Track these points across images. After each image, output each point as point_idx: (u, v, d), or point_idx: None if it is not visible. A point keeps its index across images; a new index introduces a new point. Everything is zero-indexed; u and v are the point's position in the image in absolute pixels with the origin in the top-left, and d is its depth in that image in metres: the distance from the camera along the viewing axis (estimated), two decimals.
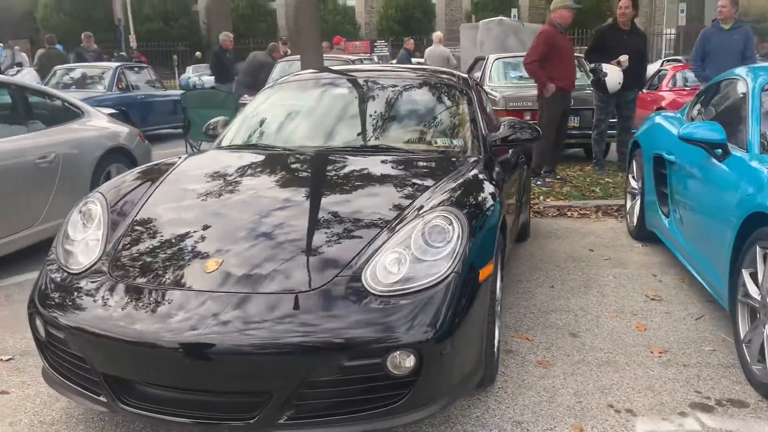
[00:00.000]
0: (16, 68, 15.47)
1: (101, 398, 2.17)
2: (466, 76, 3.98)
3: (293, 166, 3.09)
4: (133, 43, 28.46)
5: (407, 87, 3.64)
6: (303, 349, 1.97)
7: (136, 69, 10.66)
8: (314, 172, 2.96)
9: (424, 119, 3.46)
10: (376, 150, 3.17)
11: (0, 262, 4.07)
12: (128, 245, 2.41)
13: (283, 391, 1.99)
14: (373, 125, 3.41)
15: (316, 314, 2.03)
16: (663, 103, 8.75)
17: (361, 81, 3.79)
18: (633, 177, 5.01)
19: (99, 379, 2.14)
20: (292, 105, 3.67)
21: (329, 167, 3.00)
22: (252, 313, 2.04)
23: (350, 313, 2.04)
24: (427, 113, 3.50)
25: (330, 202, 2.60)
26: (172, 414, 2.08)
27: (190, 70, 21.42)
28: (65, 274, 2.37)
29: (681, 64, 10.81)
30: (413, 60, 12.82)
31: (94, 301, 2.20)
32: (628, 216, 5.07)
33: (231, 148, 3.39)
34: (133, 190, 2.79)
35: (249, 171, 3.02)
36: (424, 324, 2.04)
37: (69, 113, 4.93)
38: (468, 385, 2.29)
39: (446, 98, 3.57)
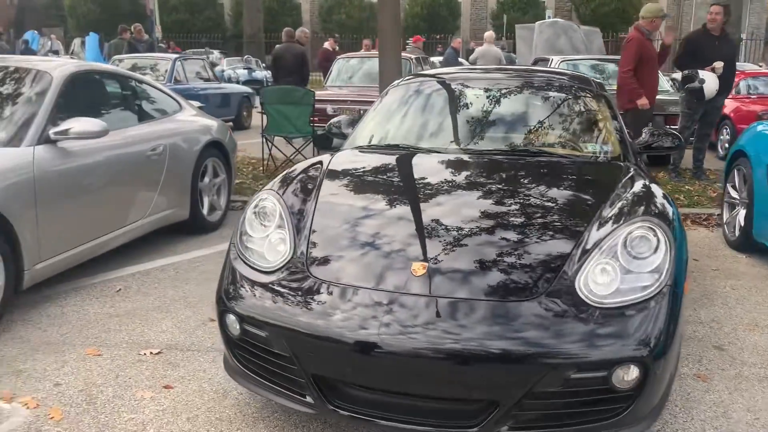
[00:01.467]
0: (52, 56, 15.52)
1: (307, 399, 2.15)
2: (599, 80, 3.94)
3: (456, 168, 3.05)
4: (159, 34, 28.56)
5: (545, 90, 3.61)
6: (531, 360, 1.95)
7: (189, 60, 10.64)
8: (484, 176, 2.93)
9: (569, 123, 3.43)
10: (529, 154, 3.14)
11: (109, 253, 4.06)
12: (319, 244, 2.38)
13: (508, 401, 1.96)
14: (518, 128, 3.38)
15: (538, 324, 2.00)
16: (726, 111, 8.66)
17: (496, 82, 3.76)
18: (733, 187, 4.95)
19: (307, 379, 2.12)
20: (428, 105, 3.64)
21: (496, 171, 2.97)
22: (471, 320, 2.02)
23: (573, 324, 2.01)
24: (570, 117, 3.47)
25: (515, 206, 2.57)
26: (385, 418, 2.06)
27: (224, 62, 21.43)
28: (256, 272, 2.35)
29: (752, 71, 10.50)
30: (460, 60, 12.77)
31: (297, 300, 2.18)
32: (726, 226, 5.02)
33: (374, 148, 3.36)
34: (299, 188, 2.77)
35: (414, 173, 2.99)
36: (649, 337, 2.01)
37: (171, 106, 4.92)
38: (665, 400, 2.26)
39: (587, 102, 3.53)
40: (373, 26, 35.77)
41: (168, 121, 4.72)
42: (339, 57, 9.80)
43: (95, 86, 4.27)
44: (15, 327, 3.23)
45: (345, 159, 3.18)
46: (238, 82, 17.95)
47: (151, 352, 2.98)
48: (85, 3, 35.70)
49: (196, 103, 5.63)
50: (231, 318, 2.31)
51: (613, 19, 32.04)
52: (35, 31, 20.63)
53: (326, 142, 7.25)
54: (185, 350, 3.03)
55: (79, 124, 3.55)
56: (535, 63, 9.67)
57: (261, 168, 7.15)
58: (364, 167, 3.09)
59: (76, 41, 21.27)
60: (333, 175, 2.93)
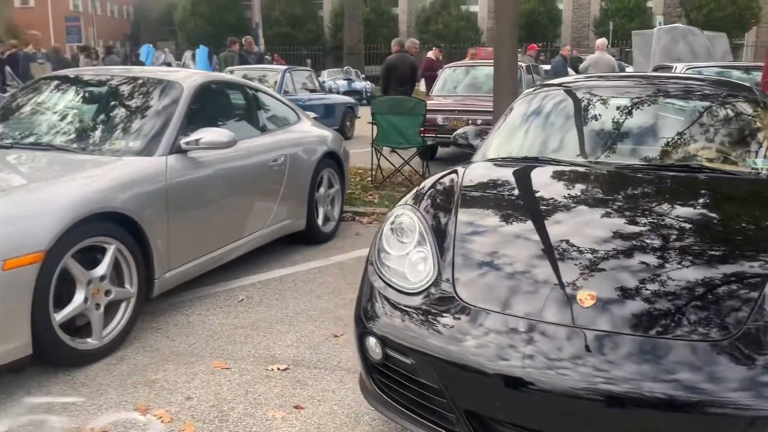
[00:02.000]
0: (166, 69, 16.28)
1: None
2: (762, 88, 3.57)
3: (609, 185, 2.80)
4: (262, 46, 29.60)
5: (694, 97, 3.29)
6: (745, 409, 1.68)
7: (297, 71, 10.83)
8: (642, 193, 2.66)
9: (729, 135, 3.09)
10: (690, 169, 2.83)
11: (229, 261, 4.06)
12: (465, 265, 2.21)
13: None
14: (671, 140, 3.08)
15: (746, 367, 1.73)
16: None
17: (635, 90, 3.47)
18: None
19: (458, 415, 1.95)
20: (564, 115, 3.40)
21: (656, 188, 2.69)
22: (661, 361, 1.77)
23: None
24: (731, 128, 3.12)
25: (688, 230, 2.30)
26: None
27: (325, 74, 21.84)
28: (398, 293, 2.21)
29: None
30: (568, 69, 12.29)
31: (449, 327, 2.01)
32: None
33: (509, 161, 3.15)
34: (436, 204, 2.61)
35: (561, 190, 2.76)
36: None
37: (290, 116, 4.93)
38: None
39: (751, 112, 3.17)
40: (469, 36, 35.49)
41: (288, 132, 4.71)
42: (446, 66, 9.65)
43: (221, 96, 4.33)
44: (145, 335, 3.26)
45: (480, 173, 3.00)
46: (338, 93, 18.20)
47: (278, 368, 2.91)
48: (193, 18, 37.60)
49: (312, 114, 5.63)
50: (372, 341, 2.17)
51: (729, 24, 30.10)
52: (150, 45, 21.89)
53: (430, 154, 7.15)
54: (312, 367, 2.94)
55: (208, 134, 3.57)
56: (655, 71, 9.12)
57: (369, 178, 7.09)
58: (502, 182, 2.89)
59: (187, 54, 22.35)
60: (470, 190, 2.75)
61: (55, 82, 4.06)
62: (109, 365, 2.93)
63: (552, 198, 2.65)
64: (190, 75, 4.02)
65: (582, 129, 3.30)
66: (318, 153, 4.86)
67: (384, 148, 6.88)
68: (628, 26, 32.64)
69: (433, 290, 2.15)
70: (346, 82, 21.35)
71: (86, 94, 3.88)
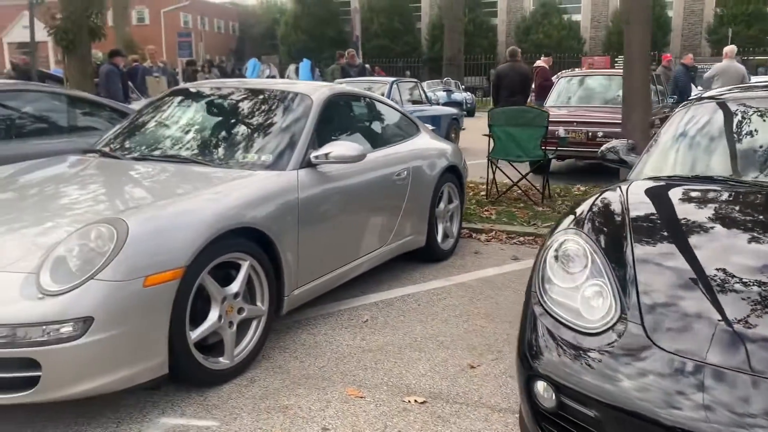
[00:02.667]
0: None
1: None
2: None
3: None
4: (361, 59, 29.99)
5: None
6: None
7: (404, 83, 10.72)
8: None
9: None
10: None
11: (350, 280, 3.91)
12: (655, 302, 1.91)
13: None
14: None
15: None
16: None
17: None
18: None
19: None
20: (734, 129, 3.01)
21: None
22: None
23: None
24: None
25: None
26: None
27: (425, 85, 21.74)
28: (573, 332, 1.94)
29: None
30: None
31: (646, 377, 1.72)
32: None
33: (677, 180, 2.81)
34: (603, 229, 2.32)
35: (748, 213, 2.40)
36: None
37: (411, 129, 4.76)
38: None
39: None
40: (571, 45, 34.37)
41: (409, 145, 4.54)
42: (561, 75, 9.22)
43: (346, 109, 4.21)
44: (273, 354, 3.15)
45: (647, 193, 2.67)
46: (437, 104, 18.02)
47: (415, 401, 2.70)
48: (295, 32, 38.71)
49: (429, 126, 5.44)
50: (541, 385, 1.92)
51: None
52: (256, 59, 22.62)
53: (545, 168, 6.80)
54: (452, 402, 2.70)
55: (338, 147, 3.44)
56: None
57: (483, 193, 6.81)
58: (677, 203, 2.56)
59: (291, 67, 22.84)
60: (641, 213, 2.43)
61: (185, 95, 4.08)
62: (240, 386, 2.82)
63: (737, 224, 2.30)
64: (318, 87, 3.92)
65: (757, 145, 2.90)
66: (439, 167, 4.66)
67: (499, 161, 6.60)
68: (746, 33, 30.58)
69: (617, 331, 1.87)
70: (445, 93, 21.13)
71: (215, 107, 3.87)
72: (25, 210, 2.86)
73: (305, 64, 21.43)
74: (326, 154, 3.42)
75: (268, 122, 3.65)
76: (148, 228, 2.53)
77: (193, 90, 4.09)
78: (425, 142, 4.78)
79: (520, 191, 6.72)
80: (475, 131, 9.67)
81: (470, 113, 20.45)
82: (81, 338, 2.28)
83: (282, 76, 24.53)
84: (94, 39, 8.15)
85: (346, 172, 3.66)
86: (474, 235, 5.50)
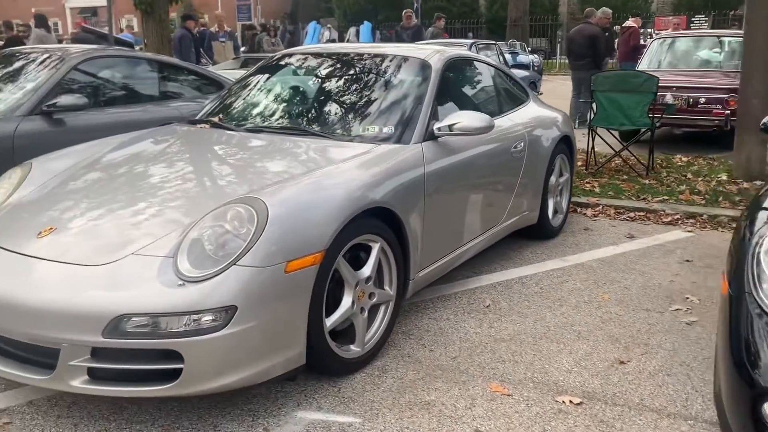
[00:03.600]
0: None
1: None
2: None
3: None
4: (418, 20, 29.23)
5: None
6: None
7: (481, 45, 10.27)
8: None
9: None
10: None
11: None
12: None
13: None
14: None
15: None
16: None
17: None
18: None
19: None
20: None
21: None
22: None
23: None
24: None
25: None
26: None
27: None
28: None
29: None
30: None
31: None
32: None
33: None
34: None
35: None
36: None
37: (522, 95, 4.42)
38: None
39: None
40: (637, 5, 32.60)
41: (522, 113, 4.20)
42: (655, 37, 8.61)
43: (462, 74, 3.91)
44: (398, 341, 2.94)
45: None
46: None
47: (570, 401, 2.45)
48: None
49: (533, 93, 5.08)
50: None
51: None
52: (316, 22, 22.26)
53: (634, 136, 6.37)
54: (610, 403, 2.45)
55: (464, 118, 3.14)
56: None
57: (581, 164, 6.42)
58: None
59: (352, 30, 22.45)
60: None
61: (292, 60, 3.84)
62: (372, 377, 2.63)
63: None
64: (434, 51, 3.62)
65: None
66: (553, 137, 4.32)
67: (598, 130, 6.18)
68: None
69: None
70: (511, 56, 20.36)
71: (327, 74, 3.61)
72: (146, 187, 2.70)
73: (366, 27, 21.01)
74: (450, 126, 3.14)
75: (386, 90, 3.38)
76: (287, 208, 2.33)
77: (300, 55, 3.84)
78: (536, 110, 4.44)
79: (623, 162, 6.28)
80: (547, 95, 9.16)
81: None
82: (224, 329, 2.10)
83: (341, 39, 24.11)
84: (171, 2, 7.99)
85: (465, 144, 3.37)
86: (579, 209, 5.16)
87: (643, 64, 8.16)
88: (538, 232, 4.37)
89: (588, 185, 5.70)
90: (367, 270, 2.64)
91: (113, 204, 2.54)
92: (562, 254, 4.18)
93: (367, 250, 2.68)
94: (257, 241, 2.19)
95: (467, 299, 3.43)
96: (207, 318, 2.09)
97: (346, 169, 2.69)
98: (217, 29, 13.30)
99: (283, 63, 3.83)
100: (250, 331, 2.16)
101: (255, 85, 3.70)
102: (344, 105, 3.36)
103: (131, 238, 2.29)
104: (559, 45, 27.75)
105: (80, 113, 4.43)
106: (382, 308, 2.81)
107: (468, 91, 3.92)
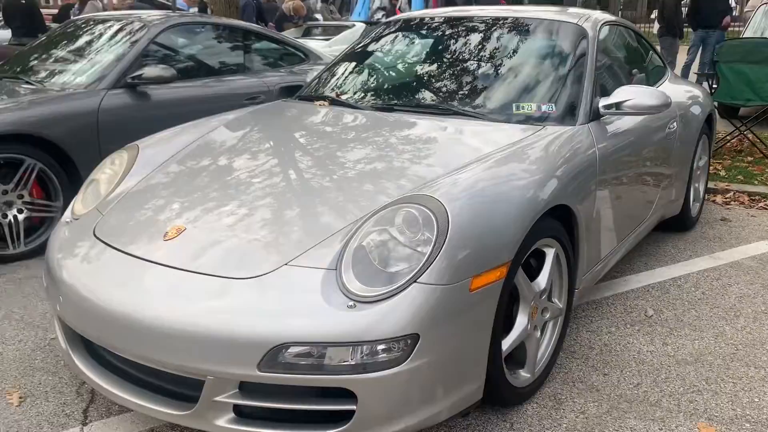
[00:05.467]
0: (381, 13, 15.71)
1: None
2: None
3: None
4: None
5: None
6: None
7: None
8: None
9: None
10: None
11: None
12: None
13: None
14: None
15: None
16: None
17: None
18: None
19: None
20: None
21: None
22: None
23: None
24: None
25: None
26: None
27: None
28: None
29: None
30: None
31: None
32: None
33: None
34: None
35: None
36: None
37: (663, 67, 3.86)
38: None
39: None
40: None
41: (668, 88, 3.64)
42: (761, 3, 7.80)
43: (615, 42, 3.35)
44: (563, 363, 2.48)
45: None
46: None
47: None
48: None
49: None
50: None
51: None
52: None
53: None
54: None
55: (635, 95, 2.63)
56: None
57: None
58: None
59: None
60: None
61: (415, 25, 3.35)
62: (546, 408, 2.19)
63: None
64: (585, 15, 3.08)
65: None
66: (699, 116, 3.77)
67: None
68: None
69: None
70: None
71: (462, 42, 3.09)
72: (281, 179, 2.26)
73: None
74: (619, 103, 2.64)
75: (538, 62, 2.87)
76: (468, 210, 1.87)
77: (428, 19, 3.33)
78: (677, 85, 3.88)
79: (748, 142, 5.65)
80: None
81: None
82: (405, 362, 1.68)
83: (393, 6, 23.29)
84: None
85: (626, 124, 2.87)
86: (707, 196, 4.59)
87: (750, 30, 7.40)
88: (676, 224, 3.85)
89: (711, 168, 5.11)
90: (542, 281, 2.18)
91: (246, 199, 2.12)
92: (709, 250, 3.65)
93: (539, 257, 2.22)
94: (440, 251, 1.75)
95: (622, 306, 2.96)
96: (383, 348, 1.67)
97: (519, 159, 2.22)
98: None
99: (406, 30, 3.34)
100: (432, 364, 1.73)
101: (374, 56, 3.23)
102: (491, 79, 2.85)
103: (279, 244, 1.88)
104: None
105: (163, 86, 4.04)
106: (550, 324, 2.35)
107: (620, 61, 3.37)
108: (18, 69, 4.29)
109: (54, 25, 10.73)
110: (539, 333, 2.23)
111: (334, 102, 2.93)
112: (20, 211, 3.49)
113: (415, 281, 1.71)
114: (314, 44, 6.80)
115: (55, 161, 3.59)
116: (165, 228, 2.00)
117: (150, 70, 3.92)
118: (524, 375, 2.20)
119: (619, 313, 2.89)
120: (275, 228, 1.94)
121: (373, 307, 1.68)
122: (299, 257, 1.81)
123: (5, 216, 3.45)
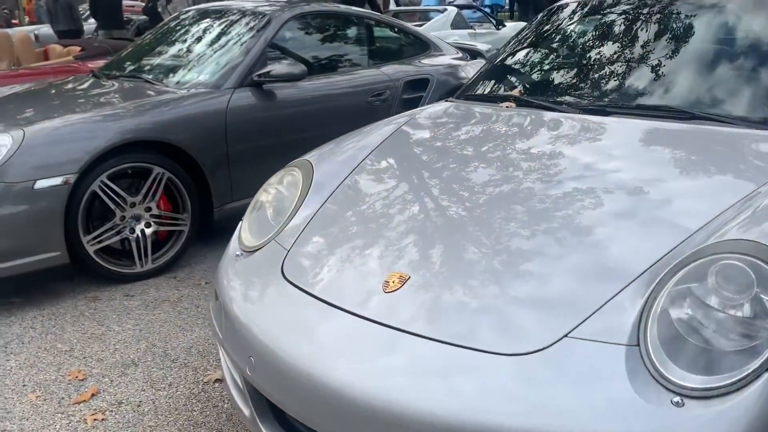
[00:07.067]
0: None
1: None
2: None
3: None
4: None
5: None
6: None
7: None
8: None
9: None
10: None
11: None
12: None
13: None
14: None
15: None
16: None
17: None
18: None
19: None
20: None
21: None
22: None
23: None
24: None
25: None
26: None
27: None
28: None
29: None
30: None
31: None
32: None
33: None
34: None
35: None
36: None
37: None
38: None
39: None
40: None
41: None
42: None
43: None
44: None
45: None
46: None
47: None
48: None
49: None
50: None
51: None
52: None
53: None
54: None
55: None
56: None
57: None
58: None
59: None
60: None
61: (595, 5, 2.81)
62: None
63: None
64: None
65: None
66: None
67: None
68: None
69: None
70: None
71: (707, 15, 2.46)
72: (510, 207, 1.76)
73: None
74: None
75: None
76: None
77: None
78: None
79: None
80: None
81: None
82: None
83: None
84: None
85: None
86: None
87: None
88: None
89: None
90: None
91: (481, 236, 1.65)
92: None
93: None
94: None
95: None
96: None
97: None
98: None
99: (609, 5, 2.79)
100: None
101: (564, 41, 2.71)
102: (756, 69, 2.24)
103: (548, 304, 1.42)
104: None
105: (287, 84, 3.66)
106: None
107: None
108: (133, 67, 3.99)
109: (141, 18, 10.66)
110: None
111: (523, 102, 2.44)
112: (148, 225, 3.18)
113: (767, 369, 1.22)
114: None
115: (181, 168, 3.26)
116: (382, 275, 1.57)
117: (278, 67, 3.55)
118: None
119: None
120: (536, 281, 1.48)
121: (709, 404, 1.21)
122: (581, 326, 1.35)
123: (132, 231, 3.14)
